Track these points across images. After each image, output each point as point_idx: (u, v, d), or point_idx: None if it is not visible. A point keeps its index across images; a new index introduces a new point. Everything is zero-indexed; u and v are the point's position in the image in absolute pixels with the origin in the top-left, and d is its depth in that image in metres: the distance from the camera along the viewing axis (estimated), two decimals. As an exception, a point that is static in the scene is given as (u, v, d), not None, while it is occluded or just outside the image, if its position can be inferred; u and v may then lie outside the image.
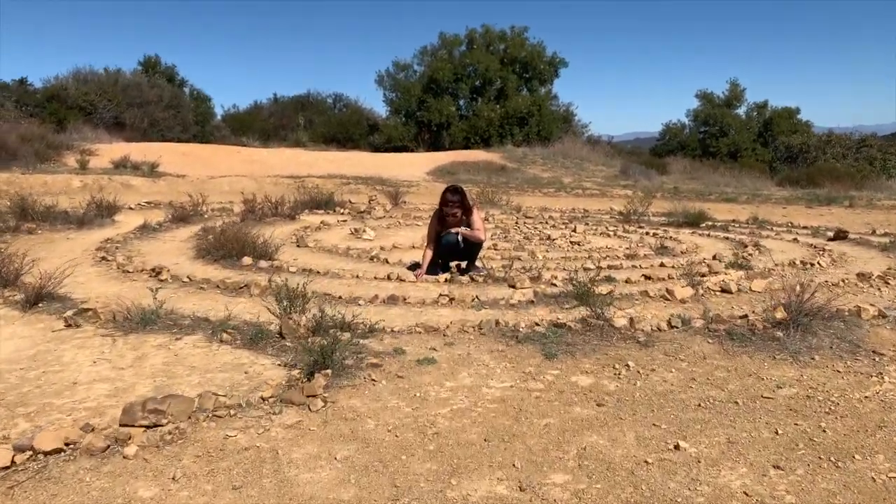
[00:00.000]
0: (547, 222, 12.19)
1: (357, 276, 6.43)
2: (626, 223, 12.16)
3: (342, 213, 12.63)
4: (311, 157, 24.52)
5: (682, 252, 8.47)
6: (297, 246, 8.58)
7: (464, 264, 6.92)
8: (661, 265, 7.35)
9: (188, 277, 6.14)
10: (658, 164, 27.17)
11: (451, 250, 6.54)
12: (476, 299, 5.23)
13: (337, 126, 38.99)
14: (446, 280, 6.23)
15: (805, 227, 12.10)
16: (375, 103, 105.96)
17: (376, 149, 34.76)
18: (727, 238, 10.25)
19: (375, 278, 6.36)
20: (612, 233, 10.63)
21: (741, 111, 40.40)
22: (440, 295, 5.30)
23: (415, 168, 23.91)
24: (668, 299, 5.23)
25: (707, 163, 29.18)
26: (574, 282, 5.35)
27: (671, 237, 10.20)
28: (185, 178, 18.95)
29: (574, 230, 10.71)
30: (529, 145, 31.18)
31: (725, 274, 6.35)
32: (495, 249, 8.47)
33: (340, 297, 5.41)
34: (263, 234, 8.99)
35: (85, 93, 30.28)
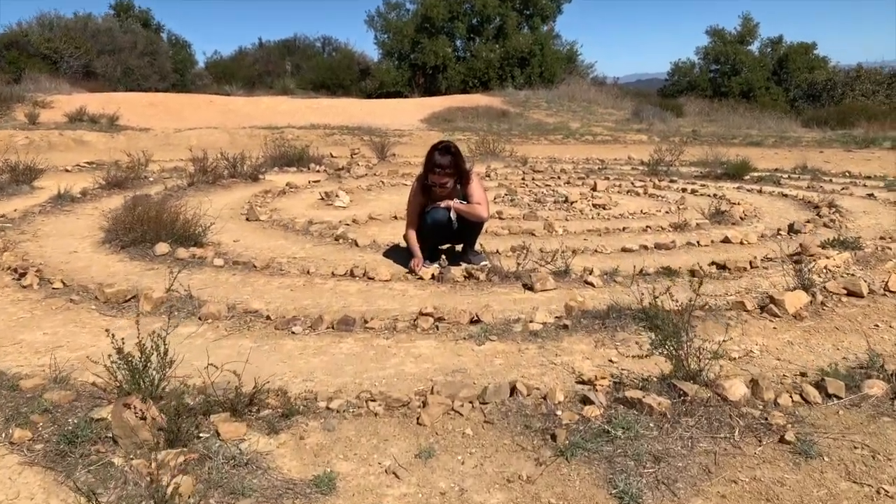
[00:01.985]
0: (559, 177, 10.25)
1: (308, 272, 4.56)
2: (653, 176, 10.22)
3: (317, 171, 10.68)
4: (293, 105, 22.34)
5: (741, 218, 6.57)
6: (247, 220, 6.68)
7: (458, 248, 5.05)
8: (726, 241, 5.45)
9: (62, 282, 4.27)
10: (673, 105, 24.96)
11: (439, 232, 4.66)
12: (476, 319, 3.37)
13: (326, 72, 36.55)
14: (434, 276, 4.36)
15: (868, 177, 10.15)
16: (367, 46, 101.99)
17: (368, 95, 32.45)
18: (784, 195, 8.32)
19: (333, 275, 4.49)
20: (640, 190, 8.71)
21: (754, 48, 37.87)
22: (421, 313, 3.43)
23: (408, 115, 21.77)
24: (775, 315, 3.36)
25: (725, 103, 26.89)
26: (628, 281, 3.51)
27: (716, 195, 8.28)
28: (148, 131, 16.90)
29: (594, 188, 8.79)
30: (532, 88, 28.85)
31: (826, 258, 4.47)
32: (500, 219, 6.58)
33: (268, 318, 3.55)
34: (200, 207, 7.10)
35: (48, 39, 27.83)
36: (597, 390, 2.39)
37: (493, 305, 3.76)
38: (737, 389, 2.28)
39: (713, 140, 18.73)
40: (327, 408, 2.41)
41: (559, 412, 2.25)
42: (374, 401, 2.41)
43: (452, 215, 4.52)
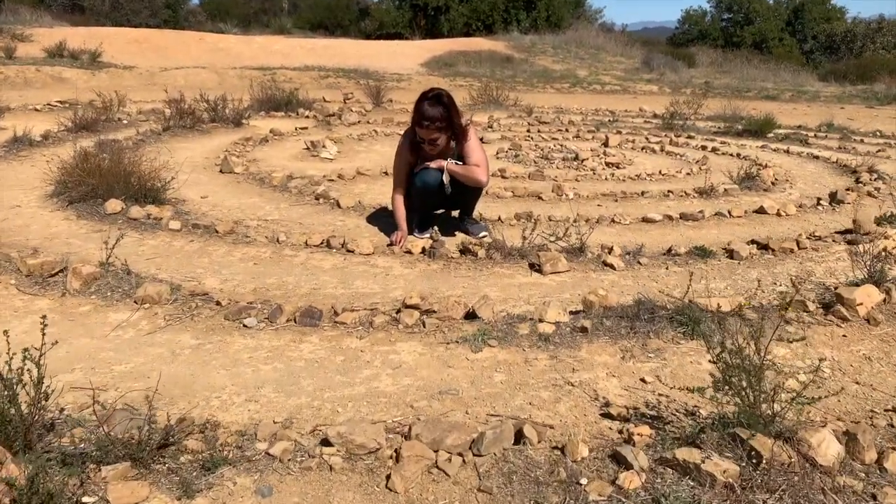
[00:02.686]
0: (567, 130, 9.48)
1: (277, 241, 3.89)
2: (668, 131, 9.45)
3: (306, 117, 9.88)
4: (286, 45, 21.26)
5: (772, 183, 5.87)
6: (220, 172, 5.97)
7: (455, 213, 4.38)
8: (761, 211, 4.77)
9: (-21, 249, 3.60)
10: (685, 54, 23.86)
11: (430, 197, 3.98)
12: (473, 314, 2.72)
13: (324, 11, 35.15)
14: (424, 250, 3.69)
15: (901, 138, 9.40)
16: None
17: (367, 36, 31.15)
18: (815, 156, 7.59)
19: (307, 245, 3.83)
20: (656, 147, 7.97)
21: (769, -4, 36.43)
22: (405, 304, 2.78)
23: (407, 59, 20.73)
24: (843, 318, 2.71)
25: (738, 54, 25.75)
26: (656, 263, 2.85)
27: (739, 155, 7.55)
28: (132, 69, 15.97)
29: (606, 143, 8.04)
30: (538, 33, 27.59)
31: (886, 237, 3.80)
32: (503, 177, 5.87)
33: (218, 304, 2.90)
34: (171, 155, 6.39)
35: (31, -32, 26.42)
36: (634, 443, 1.76)
37: (494, 293, 3.11)
38: (828, 448, 1.65)
39: (727, 92, 17.81)
40: (267, 453, 1.77)
41: (583, 480, 1.62)
42: (330, 445, 1.78)
43: (445, 178, 3.82)
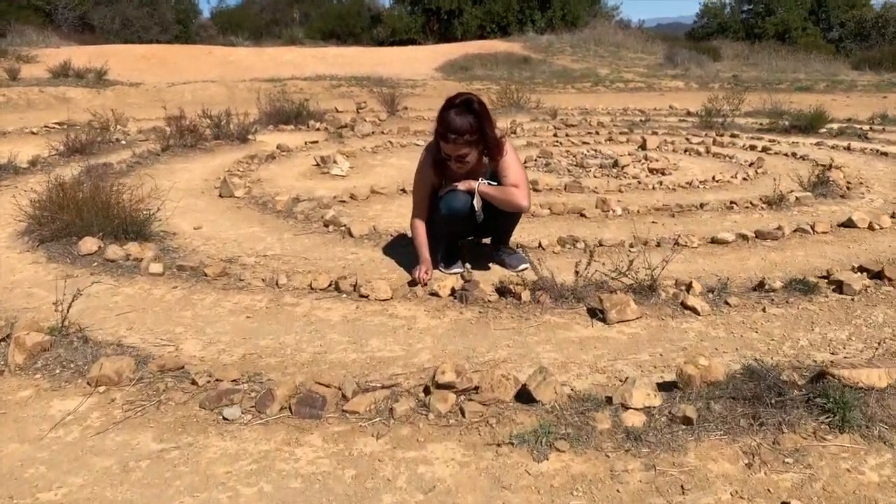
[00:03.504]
0: (597, 132, 8.75)
1: (277, 284, 3.22)
2: (708, 130, 8.68)
3: (317, 129, 9.26)
4: (297, 55, 20.73)
5: (847, 187, 5.10)
6: (220, 196, 5.33)
7: (486, 240, 3.69)
8: (849, 224, 4.02)
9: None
10: (709, 48, 22.97)
11: (458, 225, 3.30)
12: (527, 393, 2.01)
13: (336, 19, 34.75)
14: (453, 292, 3.00)
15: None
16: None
17: (380, 43, 30.61)
18: (882, 153, 6.80)
19: (312, 289, 3.16)
20: (700, 148, 7.21)
21: (791, -16, 35.32)
22: (436, 384, 2.07)
23: (421, 64, 20.10)
24: None
25: (764, 45, 24.80)
26: (750, 304, 2.13)
27: (794, 154, 6.78)
28: (139, 86, 15.50)
29: (643, 146, 7.32)
30: (554, 32, 26.85)
31: None
32: (536, 191, 5.17)
33: (194, 384, 2.23)
34: (171, 177, 5.79)
35: (40, -12, 26.23)
36: None
37: (549, 354, 2.42)
38: None
39: (757, 86, 16.98)
40: None
41: None
42: None
43: (476, 203, 3.13)
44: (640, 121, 9.98)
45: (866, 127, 8.67)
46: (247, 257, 3.76)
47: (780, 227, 3.88)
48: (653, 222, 4.32)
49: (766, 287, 2.88)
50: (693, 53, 21.40)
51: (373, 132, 8.85)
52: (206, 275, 3.36)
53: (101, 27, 28.29)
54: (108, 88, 14.96)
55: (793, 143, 7.59)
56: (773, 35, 32.58)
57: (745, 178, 5.62)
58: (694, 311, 2.72)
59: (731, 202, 4.65)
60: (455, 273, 3.37)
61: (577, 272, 2.94)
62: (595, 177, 5.95)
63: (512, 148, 3.23)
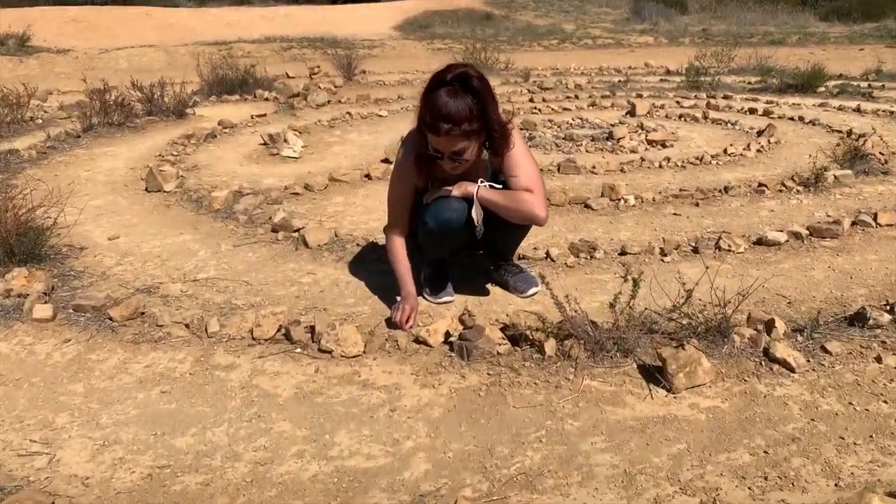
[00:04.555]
0: (576, 96, 7.95)
1: (206, 332, 2.37)
2: (696, 91, 7.94)
3: (265, 100, 8.24)
4: (244, 16, 19.31)
5: (883, 161, 4.41)
6: (146, 190, 4.41)
7: (482, 252, 2.88)
8: (913, 214, 3.32)
9: None
10: (676, 1, 22.14)
11: (448, 242, 2.47)
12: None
13: (284, -24, 32.85)
14: (449, 340, 2.20)
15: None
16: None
17: (333, 1, 29.05)
18: (897, 114, 6.15)
19: (254, 339, 2.32)
20: (695, 113, 6.47)
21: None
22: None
23: (378, 22, 18.89)
24: None
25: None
26: (856, 350, 1.42)
27: (801, 118, 6.09)
28: (68, 53, 14.11)
29: (632, 112, 6.55)
30: (515, -14, 25.69)
31: None
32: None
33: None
34: (90, 166, 4.85)
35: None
36: None
37: (604, 456, 1.65)
38: None
39: (729, 39, 16.28)
40: None
41: None
42: None
43: (475, 215, 2.30)
44: (620, 81, 9.18)
45: (864, 84, 8.03)
46: (171, 283, 2.89)
47: (836, 221, 3.15)
48: (674, 214, 3.56)
49: (870, 321, 2.15)
50: (660, 7, 20.58)
51: (328, 101, 7.89)
52: (110, 320, 2.50)
53: (29, -12, 26.17)
54: (32, 56, 13.55)
55: (793, 104, 6.90)
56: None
57: (759, 150, 4.90)
58: (787, 366, 1.97)
59: (760, 184, 3.91)
60: (444, 302, 2.57)
61: (612, 305, 2.16)
62: (587, 151, 5.17)
63: (521, 138, 2.40)
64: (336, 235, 3.34)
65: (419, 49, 15.61)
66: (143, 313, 2.56)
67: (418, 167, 2.35)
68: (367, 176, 4.52)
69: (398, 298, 2.44)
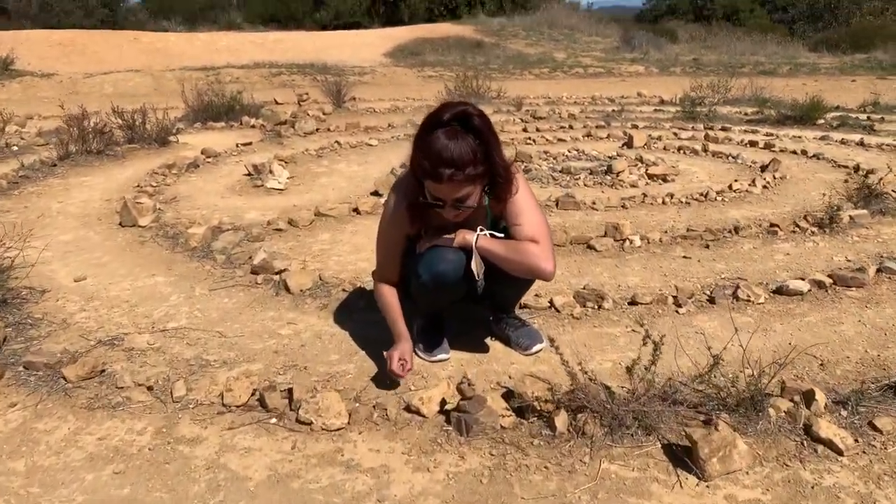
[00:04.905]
0: (571, 126, 7.78)
1: (172, 397, 2.10)
2: (693, 122, 7.80)
3: (252, 126, 8.02)
4: (234, 41, 19.19)
5: (897, 198, 4.22)
6: (120, 224, 4.15)
7: (481, 302, 2.62)
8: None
9: None
10: (666, 30, 22.28)
11: (444, 296, 2.21)
12: None
13: (276, 2, 32.93)
14: (445, 410, 1.94)
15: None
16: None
17: (324, 27, 29.08)
18: (902, 149, 5.99)
19: (224, 406, 2.04)
20: (695, 145, 6.29)
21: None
22: None
23: (369, 49, 18.81)
24: None
25: (722, 26, 24.27)
26: None
27: (804, 152, 5.92)
28: (52, 77, 13.86)
29: (629, 143, 6.37)
30: (506, 15, 25.85)
31: None
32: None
33: None
34: (63, 198, 4.59)
35: (-57, -31, 23.84)
36: None
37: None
38: None
39: (719, 69, 16.27)
40: None
41: None
42: None
43: (476, 268, 2.05)
44: (614, 111, 9.04)
45: (863, 116, 7.91)
46: (137, 334, 2.61)
47: (861, 269, 2.92)
48: (684, 257, 3.33)
49: (917, 393, 1.91)
50: (650, 36, 20.66)
51: (317, 129, 7.67)
52: (64, 379, 2.22)
53: (15, 11, 26.00)
54: (15, 80, 13.31)
55: (794, 137, 6.75)
56: (722, 16, 32.26)
57: (765, 186, 4.70)
58: (832, 447, 1.72)
59: (772, 224, 3.70)
60: (439, 360, 2.31)
61: (629, 370, 1.91)
62: (586, 185, 4.96)
63: (525, 182, 2.17)
64: (321, 279, 3.08)
65: (410, 76, 15.49)
66: (102, 371, 2.29)
67: (412, 216, 2.11)
68: (356, 210, 4.28)
69: (390, 358, 2.17)
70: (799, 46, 20.87)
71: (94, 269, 3.41)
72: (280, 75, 14.68)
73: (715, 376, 1.92)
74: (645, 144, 6.42)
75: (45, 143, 6.93)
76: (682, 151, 6.16)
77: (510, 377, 2.20)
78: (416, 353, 2.36)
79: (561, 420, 1.83)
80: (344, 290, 2.97)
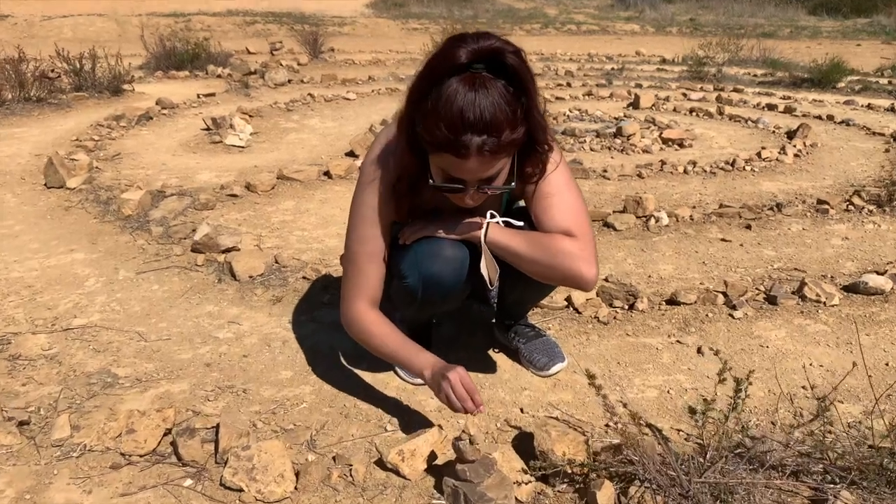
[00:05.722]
0: (569, 84, 7.13)
1: (47, 441, 1.47)
2: (699, 82, 7.18)
3: (218, 76, 7.26)
4: (206, -14, 18.02)
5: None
6: (46, 186, 3.48)
7: (483, 302, 2.02)
8: None
9: None
10: (661, -12, 21.38)
11: (440, 304, 1.58)
12: None
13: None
14: (433, 469, 1.33)
15: None
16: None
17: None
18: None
19: (122, 456, 1.43)
20: (708, 108, 5.67)
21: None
22: None
23: (350, -1, 17.81)
24: None
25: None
26: None
27: (830, 117, 5.34)
28: (5, 19, 12.84)
29: (636, 103, 5.75)
30: (495, -32, 24.70)
31: None
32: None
33: None
34: None
35: None
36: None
37: None
38: None
39: (718, 30, 15.58)
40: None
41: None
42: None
43: (487, 271, 1.43)
44: (613, 69, 8.37)
45: (884, 81, 7.33)
46: (30, 335, 1.99)
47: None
48: (723, 240, 2.74)
49: None
50: (645, -7, 19.82)
51: (289, 81, 6.94)
52: None
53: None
54: (-35, 22, 12.28)
55: (814, 101, 6.17)
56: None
57: (797, 155, 4.11)
58: None
59: (820, 201, 3.12)
60: (421, 384, 1.70)
61: (693, 412, 1.32)
62: (593, 150, 4.35)
63: (562, 155, 1.54)
64: (276, 262, 2.45)
65: (393, 28, 14.63)
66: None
67: (397, 199, 1.48)
68: (327, 174, 3.63)
69: (432, 380, 1.41)
70: (798, 8, 20.18)
71: (1, 242, 2.76)
72: (254, 24, 13.76)
73: (819, 427, 1.34)
74: (653, 105, 5.80)
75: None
76: (694, 114, 5.54)
77: (522, 411, 1.61)
78: (397, 374, 1.76)
79: (605, 496, 1.25)
80: (305, 276, 2.35)
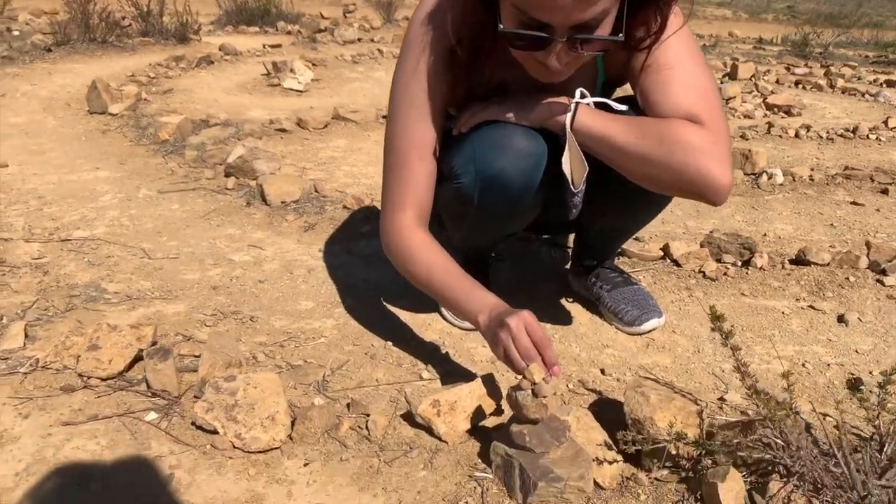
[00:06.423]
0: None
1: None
2: (805, 59, 6.50)
3: (288, 33, 7.02)
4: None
5: None
6: (89, 112, 3.25)
7: (563, 238, 1.62)
8: None
9: None
10: (757, -24, 20.15)
11: (504, 216, 1.19)
12: None
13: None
14: (477, 425, 0.94)
15: None
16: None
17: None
18: None
19: (82, 378, 1.08)
20: (821, 82, 5.04)
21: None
22: None
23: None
24: None
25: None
26: None
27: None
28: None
29: (733, 73, 5.18)
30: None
31: None
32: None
33: None
34: (28, 84, 3.73)
35: None
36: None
37: None
38: None
39: (817, 20, 14.49)
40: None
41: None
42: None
43: (570, 169, 1.03)
44: (706, 45, 7.73)
45: None
46: (23, 242, 1.70)
47: None
48: (853, 203, 2.24)
49: None
50: (740, -20, 18.68)
51: (358, 39, 6.63)
52: None
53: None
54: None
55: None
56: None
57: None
58: None
59: None
60: (473, 330, 1.30)
61: (854, 387, 0.89)
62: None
63: (684, 20, 1.10)
64: (315, 190, 2.10)
65: None
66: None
67: (457, 73, 1.08)
68: (385, 117, 3.26)
69: (490, 335, 1.02)
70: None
71: (26, 156, 2.51)
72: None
73: None
74: (752, 77, 5.21)
75: (47, 27, 6.05)
76: (800, 86, 4.94)
77: (603, 373, 1.21)
78: (442, 316, 1.38)
79: (732, 491, 0.83)
80: (346, 206, 2.00)
